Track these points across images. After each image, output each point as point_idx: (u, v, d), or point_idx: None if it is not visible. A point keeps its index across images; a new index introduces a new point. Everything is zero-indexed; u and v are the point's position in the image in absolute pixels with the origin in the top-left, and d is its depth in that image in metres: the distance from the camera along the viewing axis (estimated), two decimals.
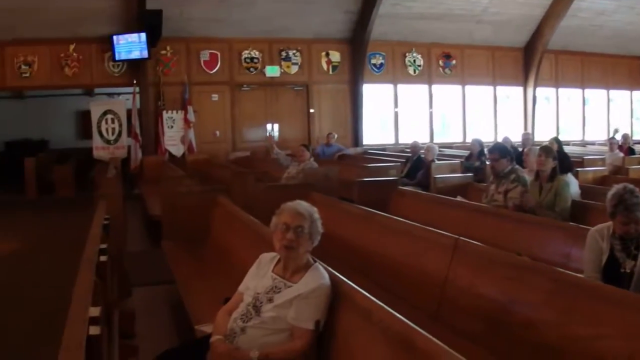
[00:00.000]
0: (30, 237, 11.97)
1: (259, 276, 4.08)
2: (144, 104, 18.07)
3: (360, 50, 19.69)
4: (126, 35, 17.41)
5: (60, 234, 12.03)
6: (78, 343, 2.77)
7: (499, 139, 17.04)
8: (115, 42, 17.44)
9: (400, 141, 20.53)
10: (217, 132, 18.87)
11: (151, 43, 17.38)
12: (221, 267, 6.37)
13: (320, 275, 3.89)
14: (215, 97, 18.85)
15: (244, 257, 5.67)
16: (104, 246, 5.17)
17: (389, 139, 20.83)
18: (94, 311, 3.32)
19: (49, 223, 13.58)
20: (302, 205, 4.07)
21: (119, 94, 22.28)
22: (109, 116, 17.81)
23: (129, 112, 18.01)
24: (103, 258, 4.91)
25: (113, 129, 17.81)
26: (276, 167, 12.71)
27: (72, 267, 8.42)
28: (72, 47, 17.85)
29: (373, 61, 20.24)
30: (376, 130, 20.80)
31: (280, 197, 8.24)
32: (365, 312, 3.52)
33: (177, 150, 17.97)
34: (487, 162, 10.52)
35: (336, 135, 18.23)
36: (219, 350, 3.78)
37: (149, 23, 17.11)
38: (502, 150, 8.39)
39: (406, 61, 20.66)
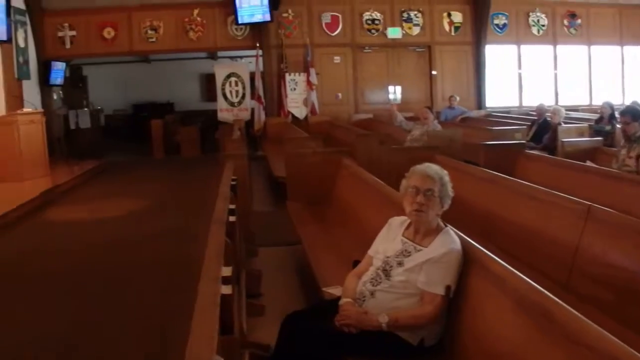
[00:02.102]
0: (159, 195, 12.34)
1: (389, 240, 4.02)
2: (267, 66, 18.23)
3: (482, 10, 19.22)
4: None
5: (187, 193, 12.35)
6: (212, 302, 2.79)
7: (626, 102, 16.37)
8: (237, 5, 17.62)
9: (524, 104, 19.97)
10: (339, 95, 18.86)
11: (273, 6, 17.46)
12: (346, 229, 6.34)
13: (451, 239, 3.80)
14: (337, 59, 18.81)
15: (369, 219, 5.63)
16: (232, 206, 5.21)
17: (512, 102, 20.25)
18: (226, 271, 3.34)
19: (176, 182, 13.92)
20: (432, 168, 3.97)
21: (241, 57, 22.60)
22: (233, 79, 18.07)
23: (252, 75, 18.23)
24: (232, 218, 4.94)
25: (237, 91, 18.07)
26: (399, 129, 12.59)
27: (199, 224, 8.68)
28: (196, 11, 18.15)
29: (496, 21, 19.69)
30: (499, 93, 20.24)
31: (404, 160, 8.17)
32: (498, 280, 3.40)
33: (300, 112, 18.07)
34: (618, 126, 10.11)
35: (458, 98, 17.89)
36: (348, 313, 3.76)
37: None
38: (634, 113, 8.03)
39: (530, 21, 20.00)
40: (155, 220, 10.11)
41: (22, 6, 17.08)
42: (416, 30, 19.20)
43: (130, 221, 10.14)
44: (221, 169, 7.55)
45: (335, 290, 4.44)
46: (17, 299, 6.55)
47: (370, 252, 4.13)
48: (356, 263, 4.30)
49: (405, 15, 19.10)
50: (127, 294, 6.46)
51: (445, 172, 3.99)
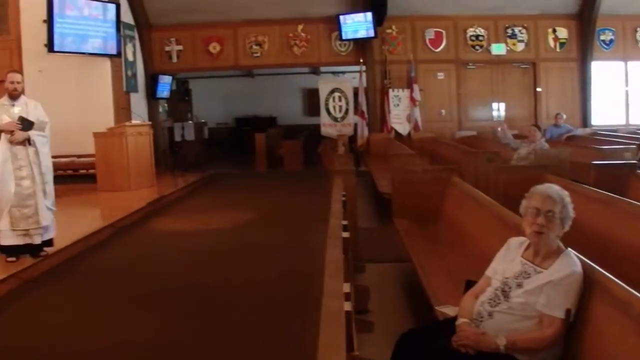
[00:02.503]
0: (264, 208, 12.44)
1: (508, 260, 3.98)
2: (370, 82, 18.29)
3: (588, 26, 18.74)
4: (352, 15, 17.68)
5: (293, 207, 12.45)
6: (338, 319, 2.81)
7: None
8: (342, 21, 17.75)
9: (631, 122, 19.41)
10: (442, 111, 18.75)
11: (377, 22, 17.50)
12: (456, 248, 6.30)
13: (572, 262, 3.74)
14: (440, 75, 18.72)
15: (480, 239, 5.58)
16: (345, 222, 5.25)
17: (619, 120, 19.64)
18: (346, 287, 3.37)
19: (281, 196, 14.06)
20: (553, 188, 3.91)
21: (343, 72, 22.70)
22: (337, 94, 18.21)
23: (355, 90, 18.30)
24: (345, 234, 4.98)
25: (340, 106, 18.21)
26: (504, 147, 12.43)
27: (308, 239, 8.75)
28: (300, 27, 18.38)
29: (602, 37, 19.19)
30: (605, 111, 19.70)
31: (512, 179, 8.08)
32: (621, 304, 3.31)
33: (403, 128, 18.05)
34: None
35: (565, 116, 17.52)
36: (466, 334, 3.73)
37: (375, 2, 17.24)
38: None
39: (637, 37, 19.44)
40: (261, 233, 10.19)
41: (131, 21, 17.66)
42: (521, 47, 18.93)
43: (236, 234, 10.26)
44: (329, 184, 7.59)
45: (448, 310, 4.42)
46: (122, 305, 6.72)
47: (488, 272, 4.10)
48: (469, 283, 4.28)
49: (509, 31, 18.86)
50: (232, 307, 6.51)
51: (566, 192, 3.93)
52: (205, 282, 7.47)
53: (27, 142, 7.95)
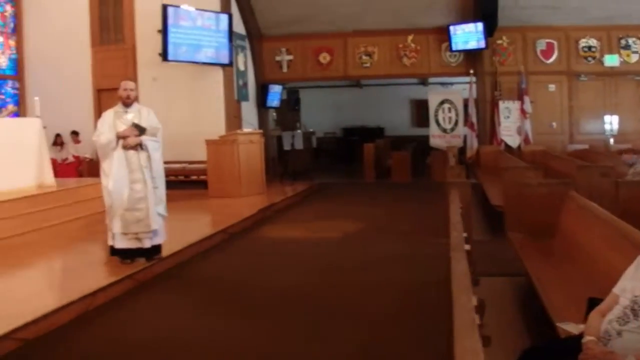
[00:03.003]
0: (374, 218, 12.43)
1: (637, 278, 3.84)
2: (480, 93, 18.08)
3: None
4: (463, 25, 17.52)
5: (404, 217, 12.39)
6: (472, 334, 2.77)
7: None
8: (452, 32, 17.62)
9: None
10: (554, 124, 18.36)
11: (488, 33, 17.28)
12: (575, 264, 6.11)
13: None
14: (552, 87, 18.35)
15: (600, 255, 5.39)
16: (465, 235, 5.18)
17: None
18: (474, 300, 3.32)
19: (390, 206, 14.02)
20: None
21: (451, 83, 22.55)
22: (446, 105, 18.07)
23: (465, 102, 18.11)
24: (467, 247, 4.91)
25: (450, 117, 18.06)
26: (618, 161, 12.06)
27: (425, 250, 8.67)
28: (410, 37, 18.36)
29: None
30: None
31: (630, 194, 7.82)
32: None
33: (513, 140, 17.77)
34: None
35: None
36: (593, 352, 3.61)
37: (485, 13, 17.03)
38: None
39: None
40: (372, 243, 10.17)
41: (243, 32, 17.98)
42: (635, 58, 18.32)
43: (346, 243, 10.26)
44: (439, 195, 7.52)
45: (571, 327, 4.30)
46: (232, 310, 6.79)
47: (615, 289, 3.96)
48: (592, 301, 4.14)
49: (623, 42, 18.31)
50: (349, 317, 6.46)
51: None
52: (317, 291, 7.47)
53: (139, 147, 8.13)
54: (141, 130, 8.12)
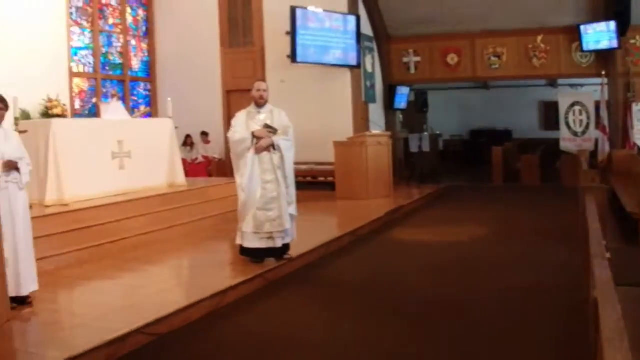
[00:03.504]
0: (504, 222, 12.15)
1: None
2: (612, 95, 17.31)
3: None
4: (594, 25, 16.82)
5: (534, 222, 12.03)
6: (620, 348, 2.58)
7: None
8: (582, 31, 16.96)
9: None
10: None
11: (621, 32, 16.54)
12: None
13: None
14: None
15: None
16: (604, 242, 4.88)
17: None
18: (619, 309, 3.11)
19: (520, 210, 13.60)
20: None
21: (582, 85, 21.80)
22: (577, 108, 17.44)
23: (596, 104, 17.41)
24: (608, 255, 4.61)
25: (581, 120, 17.41)
26: None
27: (559, 254, 8.33)
28: (539, 37, 17.80)
29: None
30: None
31: None
32: None
33: None
34: None
35: None
36: None
37: (617, 11, 16.31)
38: None
39: None
40: (501, 247, 9.89)
41: (370, 33, 17.86)
42: None
43: (475, 247, 10.01)
44: (571, 200, 7.18)
45: None
46: (361, 311, 6.71)
47: None
48: None
49: None
50: (483, 321, 6.27)
51: None
52: (449, 294, 7.29)
53: (272, 147, 8.14)
54: (273, 130, 8.11)
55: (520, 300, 6.90)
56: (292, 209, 8.38)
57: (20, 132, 8.22)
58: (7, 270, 6.04)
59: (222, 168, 16.63)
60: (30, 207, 7.15)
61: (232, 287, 7.20)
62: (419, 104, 20.97)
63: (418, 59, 18.71)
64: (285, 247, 8.46)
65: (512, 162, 18.88)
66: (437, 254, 9.54)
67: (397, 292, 7.46)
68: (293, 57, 15.56)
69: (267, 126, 8.12)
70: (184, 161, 14.18)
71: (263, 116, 8.29)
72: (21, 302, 6.50)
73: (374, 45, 18.23)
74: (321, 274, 8.51)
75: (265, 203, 8.12)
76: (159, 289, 7.34)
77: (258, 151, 8.07)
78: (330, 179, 15.31)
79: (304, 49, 15.60)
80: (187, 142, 17.51)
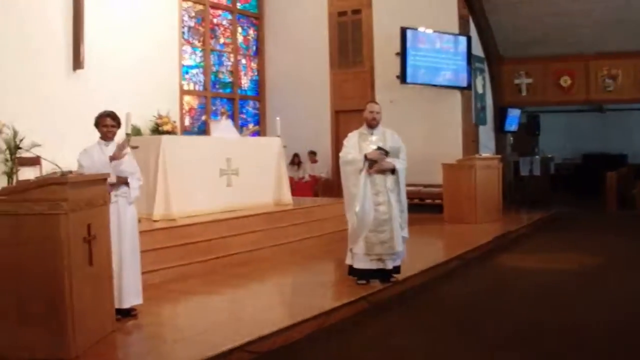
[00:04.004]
0: (615, 251, 11.62)
1: None
2: None
3: None
4: None
5: None
6: None
7: None
8: None
9: None
10: None
11: None
12: None
13: None
14: None
15: None
16: None
17: None
18: None
19: (634, 239, 12.97)
20: None
21: None
22: None
23: None
24: None
25: None
26: None
27: None
28: None
29: None
30: None
31: None
32: None
33: None
34: None
35: None
36: None
37: None
38: None
39: None
40: (614, 278, 9.42)
41: (481, 54, 17.56)
42: None
43: (586, 277, 9.55)
44: None
45: None
46: (469, 338, 6.48)
47: None
48: None
49: None
50: (601, 352, 5.99)
51: None
52: (562, 324, 6.96)
53: (390, 171, 8.04)
54: (385, 153, 8.01)
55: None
56: (405, 232, 8.28)
57: (132, 147, 8.34)
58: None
59: (329, 187, 16.60)
60: (139, 221, 7.25)
61: (335, 308, 7.12)
62: (531, 127, 20.42)
63: (530, 80, 18.24)
64: (395, 269, 8.33)
65: (627, 188, 18.12)
66: (546, 281, 9.17)
67: (506, 320, 7.20)
68: (403, 77, 15.43)
69: (379, 149, 8.02)
70: (291, 180, 14.20)
71: (375, 138, 8.22)
72: (125, 314, 6.60)
73: (485, 66, 17.90)
74: (426, 298, 8.34)
75: (377, 225, 8.02)
76: (262, 307, 7.38)
77: (371, 172, 7.97)
78: (437, 201, 15.05)
79: (414, 69, 15.46)
80: (295, 161, 17.56)
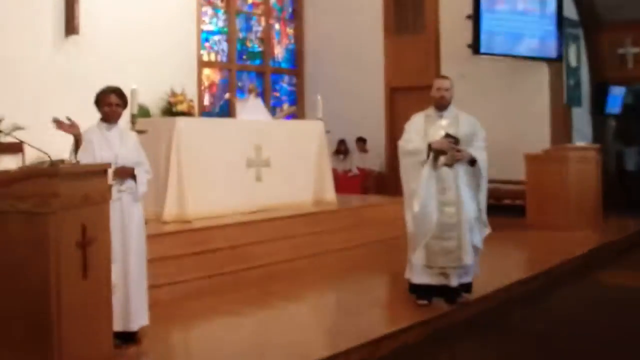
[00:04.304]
0: None
1: None
2: None
3: None
4: None
5: None
6: None
7: None
8: None
9: None
10: None
11: None
12: None
13: None
14: None
15: None
16: None
17: None
18: None
19: None
20: None
21: None
22: None
23: None
24: None
25: None
26: None
27: None
28: None
29: None
30: None
31: None
32: None
33: None
34: None
35: None
36: None
37: None
38: None
39: None
40: None
41: (576, 17, 17.30)
42: None
43: None
44: None
45: None
46: None
47: None
48: None
49: None
50: None
51: None
52: None
53: (470, 163, 7.93)
54: (454, 141, 7.83)
55: None
56: (478, 241, 8.13)
57: (139, 132, 8.40)
58: (113, 298, 6.06)
59: (382, 183, 16.59)
60: (146, 222, 7.23)
61: (387, 336, 7.07)
62: (639, 109, 20.22)
63: (638, 50, 18.02)
64: (464, 287, 8.23)
65: None
66: None
67: (605, 355, 7.13)
68: (475, 47, 15.39)
69: (448, 135, 7.84)
70: (335, 172, 14.17)
71: (445, 122, 8.03)
72: (126, 338, 6.53)
73: (581, 33, 17.71)
74: (506, 324, 8.28)
75: (441, 231, 7.89)
76: (295, 332, 7.37)
77: (439, 167, 7.84)
78: (518, 201, 15.00)
79: (490, 36, 15.38)
80: (340, 150, 17.59)
